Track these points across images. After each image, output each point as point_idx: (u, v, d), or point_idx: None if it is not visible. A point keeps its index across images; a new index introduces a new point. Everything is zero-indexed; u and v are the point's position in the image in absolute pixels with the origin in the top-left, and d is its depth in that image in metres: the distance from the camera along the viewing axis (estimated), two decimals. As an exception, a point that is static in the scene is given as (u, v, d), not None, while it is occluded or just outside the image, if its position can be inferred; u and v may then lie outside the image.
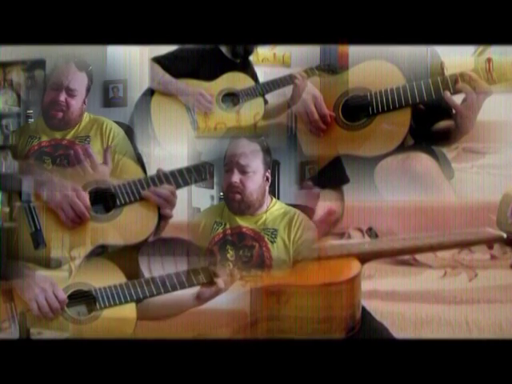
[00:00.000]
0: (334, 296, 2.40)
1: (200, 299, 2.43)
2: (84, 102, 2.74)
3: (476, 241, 2.66)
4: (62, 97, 2.67)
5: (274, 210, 2.62)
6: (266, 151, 2.64)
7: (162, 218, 2.55)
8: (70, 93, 2.68)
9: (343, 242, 2.92)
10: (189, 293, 2.44)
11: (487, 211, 2.70)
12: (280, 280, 2.47)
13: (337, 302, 2.40)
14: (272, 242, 2.55)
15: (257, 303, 2.41)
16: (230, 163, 2.59)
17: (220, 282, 2.42)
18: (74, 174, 2.54)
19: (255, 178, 2.59)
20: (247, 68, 3.22)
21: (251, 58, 3.25)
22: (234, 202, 2.59)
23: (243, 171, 2.58)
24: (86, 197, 2.46)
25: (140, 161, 2.75)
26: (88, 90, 2.75)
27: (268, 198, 2.65)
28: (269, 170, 2.64)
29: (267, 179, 2.63)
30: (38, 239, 2.43)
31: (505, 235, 2.54)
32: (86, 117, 2.75)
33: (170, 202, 2.54)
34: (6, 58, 3.25)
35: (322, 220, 2.78)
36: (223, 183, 2.62)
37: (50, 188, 2.46)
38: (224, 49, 3.18)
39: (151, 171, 2.62)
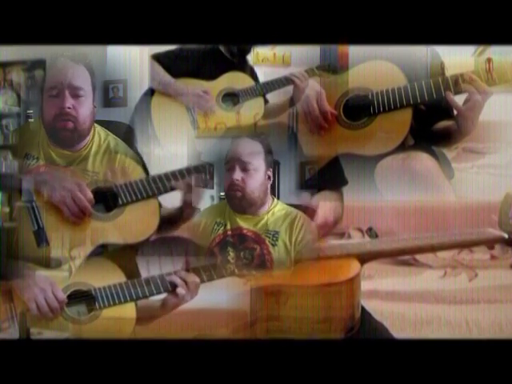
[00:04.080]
0: (333, 296, 2.40)
1: (164, 308, 2.39)
2: (94, 106, 2.38)
3: (477, 241, 2.66)
4: (69, 102, 2.24)
5: (275, 211, 2.60)
6: (268, 150, 2.63)
7: (185, 208, 2.50)
8: (75, 92, 2.30)
9: (343, 242, 2.92)
10: (157, 300, 2.41)
11: (487, 211, 2.70)
12: (280, 280, 2.47)
13: (336, 302, 2.40)
14: (273, 245, 2.53)
15: (256, 303, 2.41)
16: (232, 161, 2.58)
17: (180, 290, 2.37)
18: (74, 173, 2.55)
19: (257, 176, 2.57)
20: (245, 67, 3.22)
21: (250, 57, 3.25)
22: (235, 199, 2.56)
23: (245, 169, 2.56)
24: (88, 191, 2.43)
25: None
26: (94, 89, 2.41)
27: (270, 198, 2.64)
28: (270, 169, 2.62)
29: (269, 178, 2.61)
30: (40, 237, 2.44)
31: (506, 235, 2.54)
32: (97, 139, 2.42)
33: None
34: (6, 58, 3.26)
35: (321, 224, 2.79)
36: (224, 182, 2.59)
37: (51, 186, 2.46)
38: (223, 48, 3.18)
39: (151, 171, 2.61)
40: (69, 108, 2.25)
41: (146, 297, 2.40)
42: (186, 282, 2.37)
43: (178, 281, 2.37)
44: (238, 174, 2.55)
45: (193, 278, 2.39)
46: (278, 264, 2.51)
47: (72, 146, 2.37)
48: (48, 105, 2.30)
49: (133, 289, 2.39)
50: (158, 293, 2.40)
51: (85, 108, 2.29)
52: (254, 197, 2.56)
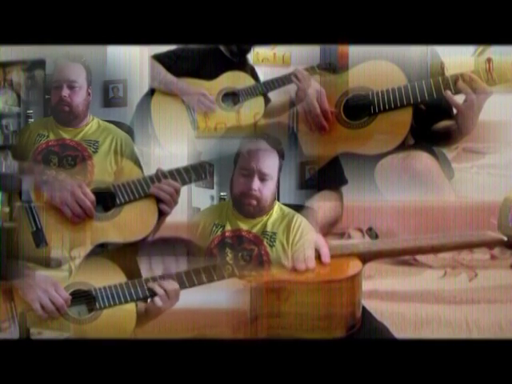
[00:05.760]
0: (334, 293, 2.40)
1: (148, 315, 2.40)
2: (88, 94, 2.73)
3: (477, 243, 2.67)
4: (65, 92, 2.68)
5: (273, 212, 2.57)
6: (282, 157, 2.60)
7: (160, 216, 2.56)
8: (71, 85, 2.68)
9: (343, 242, 2.92)
10: (142, 306, 2.41)
11: (487, 211, 2.71)
12: (280, 277, 2.47)
13: (337, 299, 2.40)
14: (271, 246, 2.52)
15: (257, 300, 2.41)
16: (251, 169, 2.51)
17: (157, 300, 2.37)
18: (74, 173, 2.55)
19: (271, 185, 2.53)
20: (245, 66, 3.22)
21: (250, 56, 3.25)
22: (250, 206, 2.52)
23: (263, 179, 2.51)
24: (90, 191, 2.47)
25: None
26: (89, 81, 2.72)
27: None
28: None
29: (277, 183, 2.60)
30: (39, 238, 2.44)
31: (505, 238, 2.55)
32: (96, 122, 2.75)
33: (174, 198, 2.55)
34: (6, 58, 3.26)
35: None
36: (237, 186, 2.54)
37: (52, 186, 2.47)
38: (223, 48, 3.18)
39: (151, 171, 2.62)
40: (65, 96, 2.68)
41: (146, 297, 2.41)
42: (165, 290, 2.38)
43: (157, 289, 2.38)
44: (256, 184, 2.50)
45: (172, 286, 2.39)
46: (275, 265, 2.51)
47: (71, 124, 2.73)
48: (52, 94, 2.74)
49: (133, 289, 2.40)
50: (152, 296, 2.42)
51: (78, 96, 2.71)
52: (266, 205, 2.53)
